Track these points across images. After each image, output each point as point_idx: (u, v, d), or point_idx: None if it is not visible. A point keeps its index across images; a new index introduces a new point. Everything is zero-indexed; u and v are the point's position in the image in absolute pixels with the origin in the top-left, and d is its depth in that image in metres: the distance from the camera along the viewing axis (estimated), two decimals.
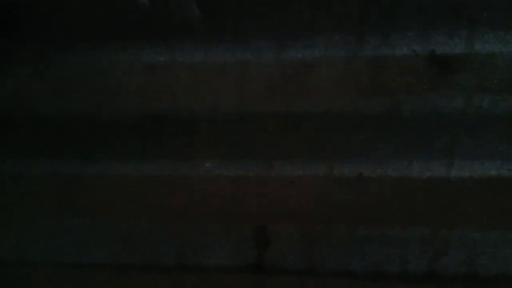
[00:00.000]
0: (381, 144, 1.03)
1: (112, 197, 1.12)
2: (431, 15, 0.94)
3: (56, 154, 1.12)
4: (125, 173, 1.10)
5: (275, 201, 1.08)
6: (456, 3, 0.92)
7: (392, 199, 1.07)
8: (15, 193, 1.14)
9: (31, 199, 1.14)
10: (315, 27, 0.99)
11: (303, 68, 1.01)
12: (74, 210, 1.14)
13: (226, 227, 1.10)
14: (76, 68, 1.06)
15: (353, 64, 0.99)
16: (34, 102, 1.08)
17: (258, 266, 1.12)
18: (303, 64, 1.01)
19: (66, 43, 1.04)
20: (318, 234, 1.09)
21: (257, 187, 1.08)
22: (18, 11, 1.03)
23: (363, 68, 0.99)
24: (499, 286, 1.08)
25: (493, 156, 1.01)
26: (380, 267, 1.10)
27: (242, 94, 1.04)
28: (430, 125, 1.01)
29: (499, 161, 1.02)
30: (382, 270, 1.10)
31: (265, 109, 1.05)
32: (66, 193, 1.13)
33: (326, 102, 1.02)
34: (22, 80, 1.07)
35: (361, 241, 1.09)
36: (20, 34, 1.04)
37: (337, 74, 1.00)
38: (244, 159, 1.08)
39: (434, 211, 1.06)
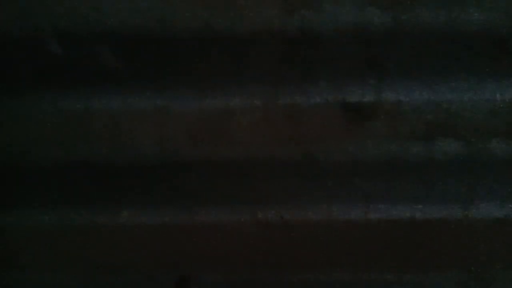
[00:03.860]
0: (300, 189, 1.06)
1: (31, 247, 1.09)
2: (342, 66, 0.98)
3: None
4: (42, 222, 1.07)
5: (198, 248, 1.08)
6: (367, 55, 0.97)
7: (315, 243, 1.08)
8: None
9: None
10: (234, 77, 1.01)
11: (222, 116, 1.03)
12: None
13: (148, 277, 1.09)
14: None
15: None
16: None
17: None
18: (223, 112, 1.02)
19: None
20: (243, 280, 1.10)
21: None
22: None
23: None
24: None
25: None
26: None
27: (162, 141, 1.05)
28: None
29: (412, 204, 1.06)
30: None
31: (186, 156, 1.05)
32: None
33: (245, 149, 1.04)
34: None
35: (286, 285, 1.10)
36: None
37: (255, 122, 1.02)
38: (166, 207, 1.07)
39: (354, 252, 1.09)
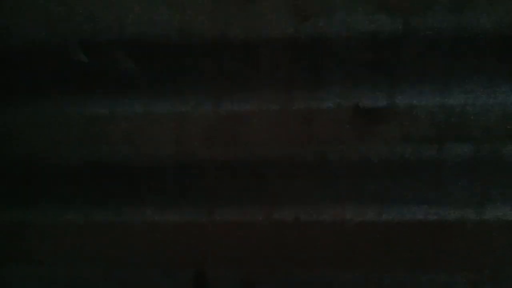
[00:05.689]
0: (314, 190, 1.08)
1: (53, 243, 1.15)
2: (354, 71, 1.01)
3: None
4: (67, 219, 1.13)
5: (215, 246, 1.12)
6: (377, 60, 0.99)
7: (329, 243, 1.11)
8: None
9: None
10: (249, 82, 1.04)
11: (239, 120, 1.06)
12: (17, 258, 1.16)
13: (165, 273, 1.13)
14: (20, 119, 1.10)
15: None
16: None
17: None
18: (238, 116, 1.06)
19: (10, 97, 1.08)
20: (258, 278, 1.13)
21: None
22: None
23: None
24: None
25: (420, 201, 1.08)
26: None
27: (180, 143, 1.09)
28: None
29: (426, 205, 1.08)
30: None
31: (203, 158, 1.09)
32: (9, 240, 1.15)
33: (260, 151, 1.07)
34: None
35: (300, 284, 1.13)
36: None
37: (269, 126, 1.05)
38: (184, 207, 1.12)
39: (366, 253, 1.11)
